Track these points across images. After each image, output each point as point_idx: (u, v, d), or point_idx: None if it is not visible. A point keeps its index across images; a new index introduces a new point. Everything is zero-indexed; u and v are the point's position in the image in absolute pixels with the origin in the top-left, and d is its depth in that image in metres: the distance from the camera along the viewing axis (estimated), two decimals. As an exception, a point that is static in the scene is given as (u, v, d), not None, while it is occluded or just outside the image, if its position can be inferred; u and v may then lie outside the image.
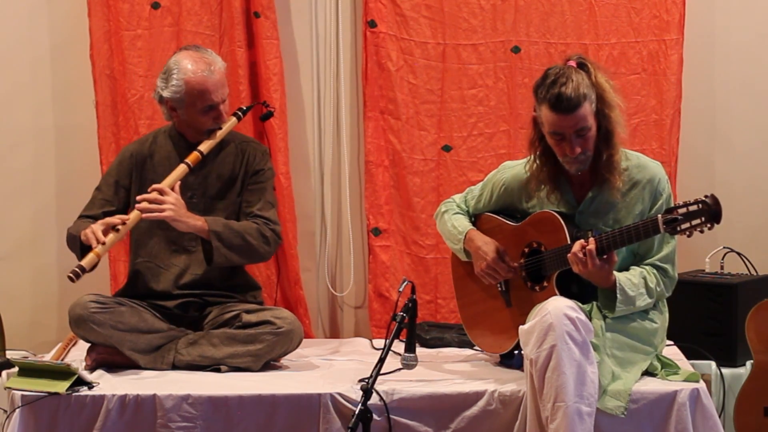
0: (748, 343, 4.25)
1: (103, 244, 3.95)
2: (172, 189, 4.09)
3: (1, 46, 4.89)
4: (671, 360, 3.90)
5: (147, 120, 4.75)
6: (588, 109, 3.68)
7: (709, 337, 4.43)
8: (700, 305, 4.44)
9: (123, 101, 4.81)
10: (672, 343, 4.13)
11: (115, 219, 4.02)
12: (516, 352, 4.02)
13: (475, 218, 4.13)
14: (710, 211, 3.49)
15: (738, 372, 4.37)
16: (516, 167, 4.00)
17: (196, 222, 4.10)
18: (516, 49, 4.79)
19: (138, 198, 4.07)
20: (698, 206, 3.50)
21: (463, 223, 4.08)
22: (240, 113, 4.35)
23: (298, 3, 4.92)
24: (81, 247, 4.03)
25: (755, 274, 4.57)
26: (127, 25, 4.78)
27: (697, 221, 3.50)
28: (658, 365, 3.84)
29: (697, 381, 3.77)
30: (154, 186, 4.08)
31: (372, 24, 4.79)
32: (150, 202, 4.04)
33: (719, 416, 3.82)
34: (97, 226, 3.99)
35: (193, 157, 4.17)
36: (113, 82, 4.81)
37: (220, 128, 4.23)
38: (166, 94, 4.19)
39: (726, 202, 4.79)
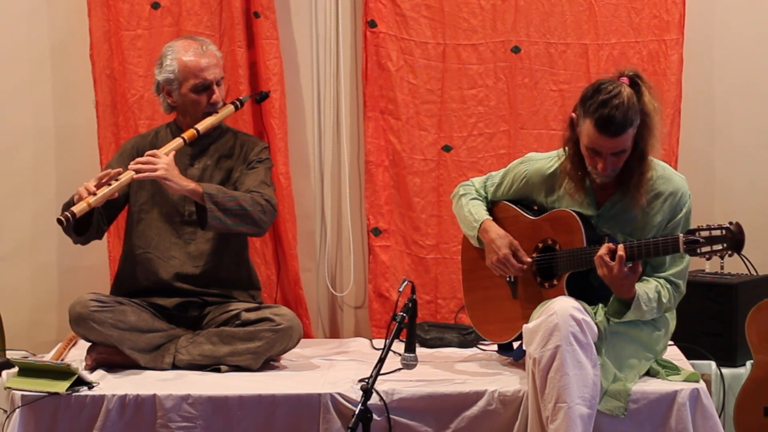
0: (748, 343, 4.25)
1: (95, 194, 3.96)
2: (167, 156, 4.11)
3: (1, 46, 4.89)
4: (671, 362, 3.90)
5: (147, 120, 4.75)
6: (630, 133, 3.66)
7: (709, 337, 4.44)
8: (700, 305, 4.44)
9: (123, 101, 4.81)
10: (672, 343, 4.13)
11: (107, 174, 4.02)
12: (515, 344, 4.02)
13: (492, 204, 4.12)
14: (733, 239, 3.49)
15: (738, 372, 4.37)
16: (540, 161, 3.98)
17: (189, 184, 4.10)
18: (516, 49, 4.79)
19: (131, 162, 4.09)
20: (721, 232, 3.49)
21: (480, 211, 4.06)
22: (238, 103, 4.38)
23: (298, 3, 4.92)
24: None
25: (755, 274, 4.57)
26: (127, 25, 4.79)
27: (719, 247, 3.50)
28: (659, 369, 3.85)
29: (697, 381, 3.77)
30: (149, 152, 4.12)
31: (372, 24, 4.79)
32: (143, 164, 4.06)
33: (719, 416, 3.82)
34: (90, 182, 4.01)
35: (189, 134, 4.21)
36: (113, 82, 4.81)
37: (217, 112, 4.26)
38: (161, 78, 4.25)
39: (726, 202, 4.86)
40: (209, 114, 4.26)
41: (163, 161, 4.07)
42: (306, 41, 4.93)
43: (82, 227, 4.12)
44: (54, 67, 4.90)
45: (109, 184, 4.02)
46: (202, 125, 4.24)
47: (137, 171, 4.05)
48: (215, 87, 4.25)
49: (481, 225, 4.02)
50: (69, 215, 3.91)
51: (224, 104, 4.33)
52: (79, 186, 4.02)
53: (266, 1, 4.76)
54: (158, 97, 4.33)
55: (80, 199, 3.98)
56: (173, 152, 4.14)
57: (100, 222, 4.21)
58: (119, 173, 4.05)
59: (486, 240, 4.00)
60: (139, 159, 4.09)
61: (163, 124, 4.44)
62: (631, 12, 4.76)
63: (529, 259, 3.92)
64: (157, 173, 4.05)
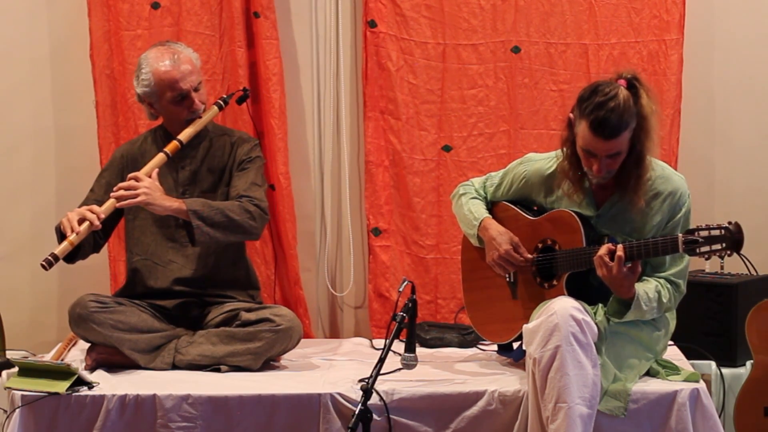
0: (748, 343, 4.25)
1: (77, 233, 3.95)
2: (149, 176, 4.08)
3: (1, 46, 4.89)
4: (671, 362, 3.90)
5: (147, 120, 4.74)
6: (626, 136, 3.66)
7: (709, 337, 4.43)
8: (700, 305, 4.44)
9: (123, 101, 4.81)
10: (672, 343, 4.13)
11: (90, 210, 4.00)
12: (515, 344, 4.02)
13: (492, 205, 4.12)
14: (732, 239, 3.49)
15: (738, 372, 4.37)
16: (539, 161, 3.99)
17: (173, 203, 4.08)
18: (516, 49, 4.79)
19: (114, 188, 4.08)
20: (720, 232, 3.49)
21: (480, 210, 4.07)
22: (222, 102, 4.35)
23: (298, 3, 4.92)
24: (61, 237, 4.03)
25: (755, 274, 4.57)
26: (127, 25, 4.79)
27: (718, 246, 3.50)
28: (659, 369, 3.85)
29: (697, 381, 3.77)
30: (131, 174, 4.09)
31: (372, 24, 4.79)
32: (125, 189, 4.04)
33: (719, 416, 3.82)
34: (73, 215, 3.99)
35: (171, 146, 4.19)
36: (113, 82, 4.82)
37: (200, 117, 4.24)
38: (139, 90, 4.24)
39: (726, 202, 4.86)
40: (192, 120, 4.24)
41: (144, 184, 4.04)
42: (306, 41, 4.93)
43: (69, 256, 4.08)
44: (54, 67, 4.90)
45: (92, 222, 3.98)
46: (185, 135, 4.20)
47: (119, 198, 4.03)
48: (193, 94, 4.21)
49: (481, 223, 4.02)
50: (52, 259, 3.89)
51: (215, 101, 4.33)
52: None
53: (266, 1, 4.76)
54: (141, 105, 4.31)
55: (63, 228, 3.97)
56: (156, 171, 4.11)
57: (97, 242, 4.20)
58: (99, 213, 3.99)
59: (486, 237, 4.00)
60: (120, 185, 4.07)
61: (151, 129, 4.42)
62: (631, 12, 4.76)
63: (530, 256, 3.93)
64: (138, 199, 4.03)
